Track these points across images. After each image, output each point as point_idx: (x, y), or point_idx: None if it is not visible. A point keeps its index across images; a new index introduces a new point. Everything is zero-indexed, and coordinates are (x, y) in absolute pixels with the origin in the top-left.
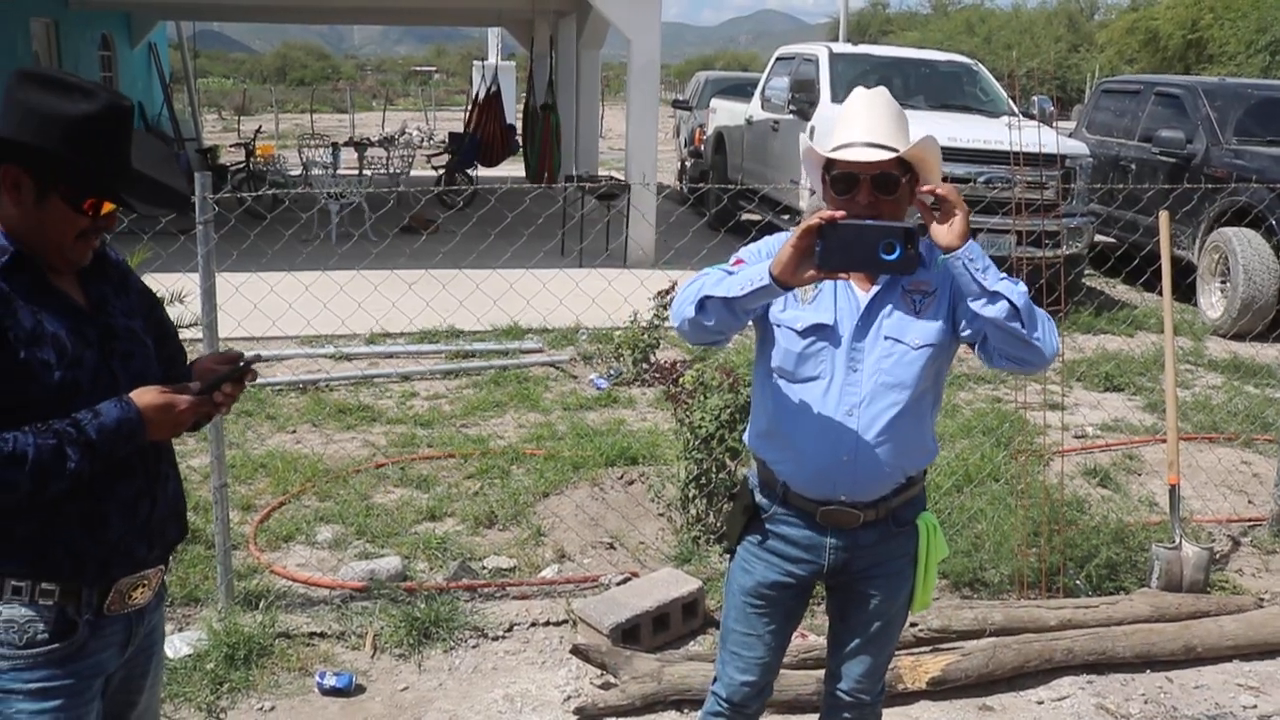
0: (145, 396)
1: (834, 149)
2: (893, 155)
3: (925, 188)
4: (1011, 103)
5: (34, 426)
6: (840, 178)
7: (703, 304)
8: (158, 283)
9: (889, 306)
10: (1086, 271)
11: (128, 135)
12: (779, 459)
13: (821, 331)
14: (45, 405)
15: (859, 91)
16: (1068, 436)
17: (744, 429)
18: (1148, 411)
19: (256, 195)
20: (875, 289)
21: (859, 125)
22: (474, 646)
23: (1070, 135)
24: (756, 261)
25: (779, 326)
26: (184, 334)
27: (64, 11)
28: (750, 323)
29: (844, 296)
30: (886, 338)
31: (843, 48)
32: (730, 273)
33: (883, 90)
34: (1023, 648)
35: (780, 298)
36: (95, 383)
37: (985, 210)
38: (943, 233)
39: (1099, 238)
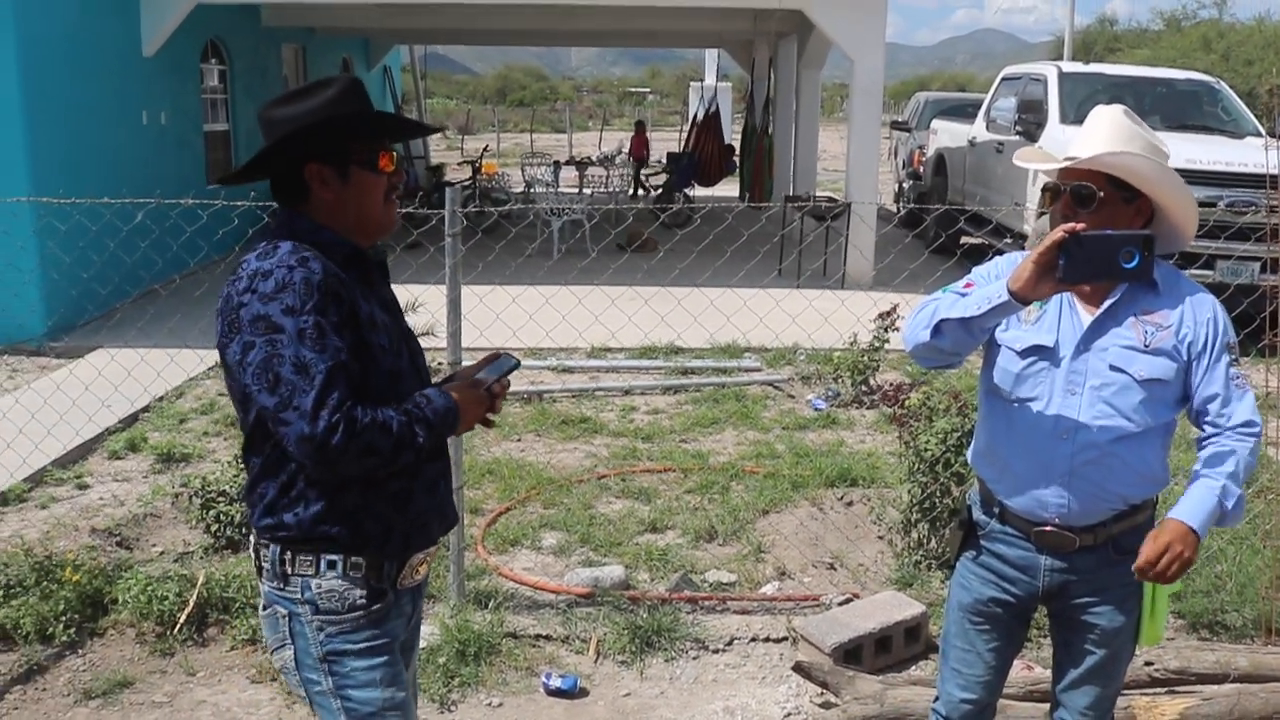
0: (458, 389)
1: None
2: (1074, 164)
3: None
4: (1257, 123)
5: (414, 419)
6: (1080, 193)
7: (938, 328)
8: (407, 292)
9: (1116, 332)
10: None
11: (369, 99)
12: (995, 477)
13: (1041, 352)
14: (379, 389)
15: (1099, 110)
16: None
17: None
18: None
19: (503, 211)
20: (1100, 311)
21: (1106, 140)
22: (694, 658)
23: None
24: (987, 283)
25: (1000, 346)
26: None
27: (310, 38)
28: None
29: (1067, 318)
30: (1112, 367)
31: (1072, 67)
32: (962, 294)
33: (1120, 109)
34: (1271, 697)
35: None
36: (413, 371)
37: (1233, 236)
38: None
39: None
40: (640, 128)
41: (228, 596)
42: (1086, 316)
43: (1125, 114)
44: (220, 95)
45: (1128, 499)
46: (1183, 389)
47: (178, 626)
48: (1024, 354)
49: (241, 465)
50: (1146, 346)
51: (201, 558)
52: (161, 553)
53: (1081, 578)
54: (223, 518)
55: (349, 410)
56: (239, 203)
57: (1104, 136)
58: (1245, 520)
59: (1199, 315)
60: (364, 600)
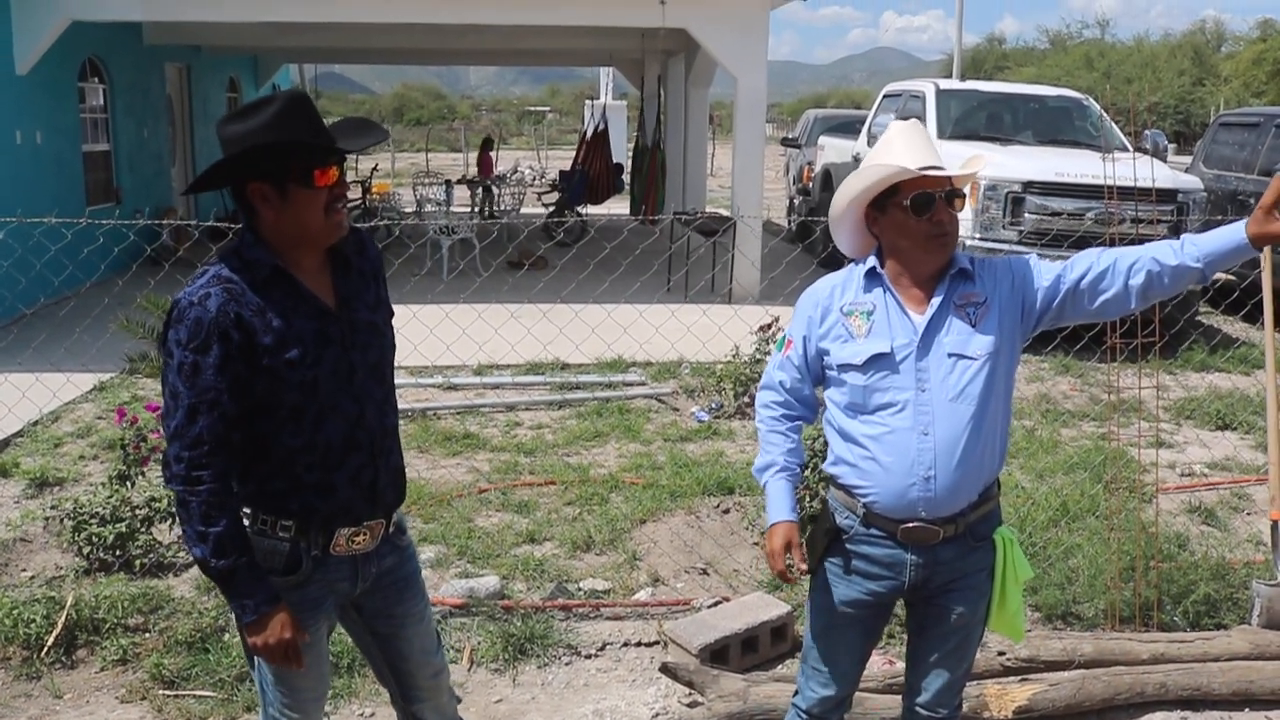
0: (277, 614)
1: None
2: (970, 174)
3: None
4: (1123, 137)
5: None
6: (920, 200)
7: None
8: None
9: (947, 324)
10: (1202, 308)
11: (315, 113)
12: (860, 484)
13: (882, 360)
14: (293, 399)
15: (896, 125)
16: (1173, 474)
17: None
18: (1261, 451)
19: (372, 227)
20: (930, 310)
21: (909, 154)
22: (567, 664)
23: (1187, 169)
24: (802, 334)
25: (841, 369)
26: None
27: (196, 56)
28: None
29: (898, 322)
30: (950, 354)
31: (949, 84)
32: (780, 369)
33: (915, 122)
34: (1113, 680)
35: (837, 339)
36: (335, 375)
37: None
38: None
39: (1216, 275)
40: (487, 145)
41: (98, 618)
42: (918, 318)
43: (918, 124)
44: (101, 115)
45: (984, 482)
46: (1016, 342)
47: (45, 649)
48: (865, 366)
49: (115, 487)
50: (974, 326)
51: (73, 581)
52: (31, 577)
53: (942, 568)
54: (95, 539)
55: (194, 467)
56: (104, 222)
57: (925, 147)
58: (1098, 516)
59: (997, 274)
60: (280, 567)
